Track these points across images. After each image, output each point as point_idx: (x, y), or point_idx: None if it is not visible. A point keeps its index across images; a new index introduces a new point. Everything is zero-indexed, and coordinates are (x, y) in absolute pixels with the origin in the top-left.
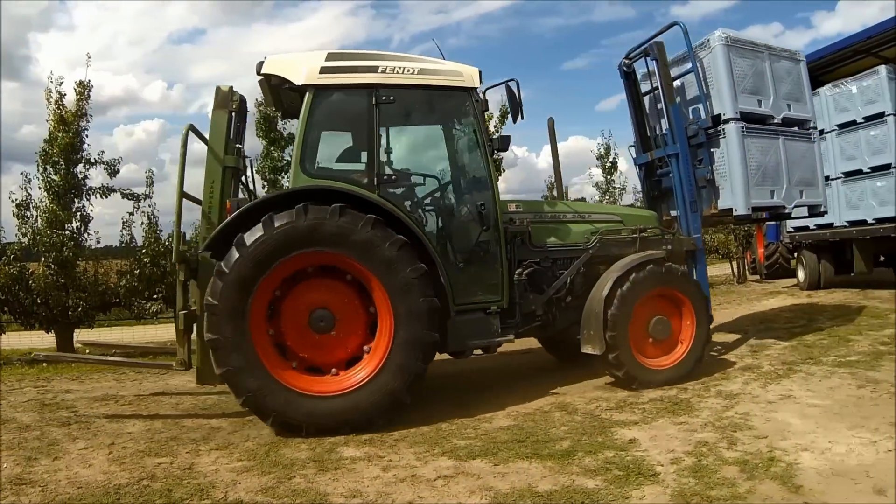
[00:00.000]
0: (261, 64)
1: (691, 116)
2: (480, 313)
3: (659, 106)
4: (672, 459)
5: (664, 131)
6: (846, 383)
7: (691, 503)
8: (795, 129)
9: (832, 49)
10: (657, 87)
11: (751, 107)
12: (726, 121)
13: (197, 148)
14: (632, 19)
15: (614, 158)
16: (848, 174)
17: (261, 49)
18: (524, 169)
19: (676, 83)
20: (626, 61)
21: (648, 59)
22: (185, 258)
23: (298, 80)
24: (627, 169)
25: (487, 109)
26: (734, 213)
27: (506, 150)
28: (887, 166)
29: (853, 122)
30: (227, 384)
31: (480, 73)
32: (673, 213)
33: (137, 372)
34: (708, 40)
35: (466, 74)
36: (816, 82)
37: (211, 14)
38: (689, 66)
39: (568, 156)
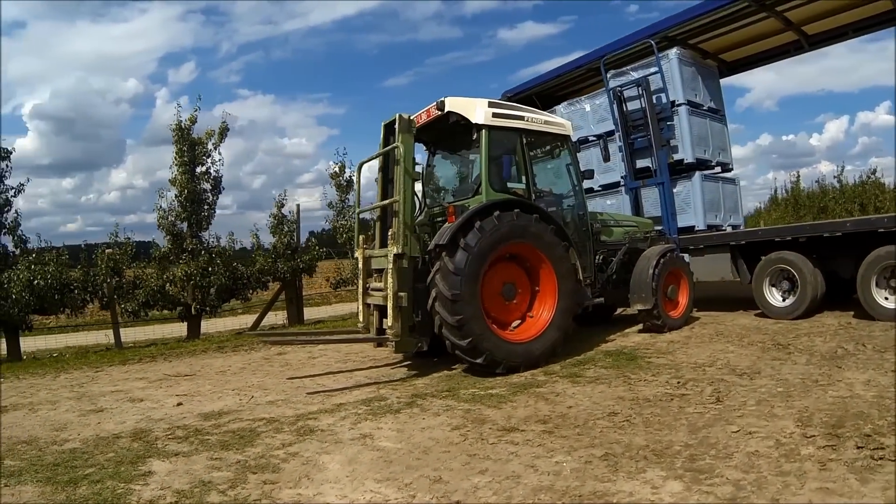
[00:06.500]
0: (443, 103)
1: (655, 101)
2: (583, 285)
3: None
4: (152, 498)
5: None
6: (448, 422)
7: None
8: (714, 114)
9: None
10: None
11: (691, 97)
12: (680, 104)
13: None
14: (457, 40)
15: (350, 177)
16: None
17: (80, 49)
18: None
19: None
20: (619, 88)
21: (639, 87)
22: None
23: (477, 120)
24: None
25: (579, 150)
26: (684, 162)
27: (591, 178)
28: (616, 184)
29: (586, 140)
30: (453, 333)
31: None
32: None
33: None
34: (667, 54)
35: (566, 125)
36: (553, 100)
37: (34, 6)
38: (655, 69)
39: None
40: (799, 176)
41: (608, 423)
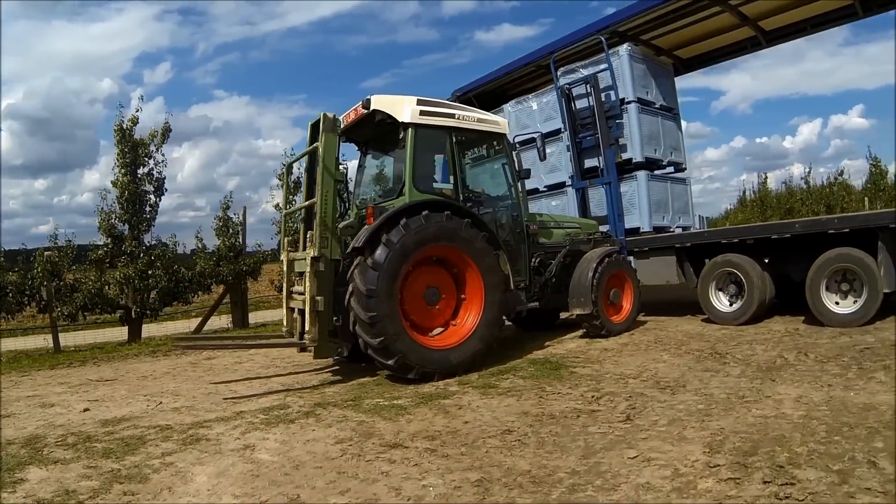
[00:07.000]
0: (369, 101)
1: (603, 98)
2: (516, 289)
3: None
4: None
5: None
6: (336, 434)
7: None
8: (666, 113)
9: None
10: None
11: (642, 95)
12: (630, 102)
13: None
14: (435, 42)
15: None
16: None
17: (58, 49)
18: None
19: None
20: (567, 86)
21: (588, 85)
22: (321, 255)
23: (403, 118)
24: None
25: (516, 149)
26: (633, 161)
27: (528, 177)
28: (561, 184)
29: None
30: (365, 330)
31: (507, 123)
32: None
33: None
34: (618, 50)
35: (502, 123)
36: (505, 98)
37: (8, 6)
38: (604, 65)
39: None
40: (766, 177)
41: (498, 443)
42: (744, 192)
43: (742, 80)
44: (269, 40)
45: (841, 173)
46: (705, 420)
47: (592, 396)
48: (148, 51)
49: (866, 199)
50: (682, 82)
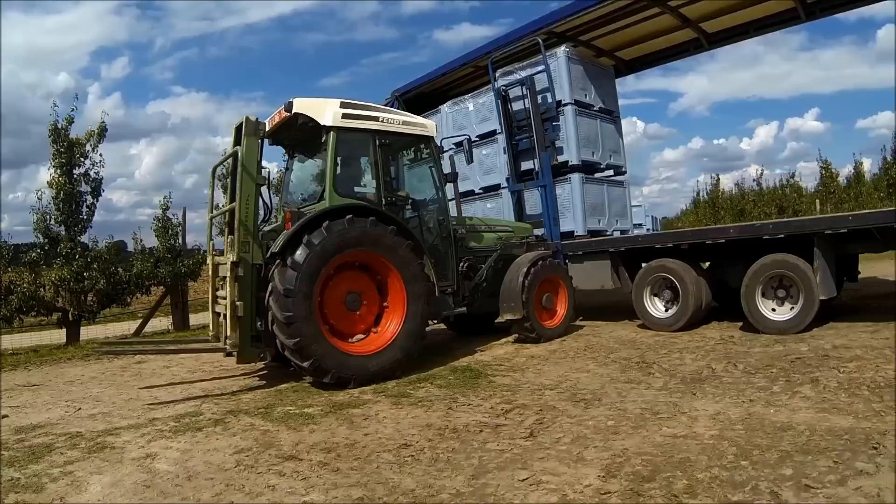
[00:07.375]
0: (291, 104)
1: (539, 100)
2: (443, 294)
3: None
4: None
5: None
6: (238, 444)
7: None
8: (606, 115)
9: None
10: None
11: (580, 97)
12: (566, 104)
13: None
14: (394, 40)
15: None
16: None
17: (12, 41)
18: None
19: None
20: (504, 87)
21: (524, 87)
22: (241, 260)
23: (325, 122)
24: None
25: (444, 152)
26: (569, 164)
27: (454, 181)
28: (496, 186)
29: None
30: (282, 331)
31: (436, 125)
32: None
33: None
34: (556, 52)
35: (429, 126)
36: (445, 99)
37: None
38: (542, 67)
39: None
40: (718, 178)
41: (392, 458)
42: (698, 194)
43: (700, 83)
44: (228, 36)
45: (793, 175)
46: (611, 439)
47: (502, 409)
48: (105, 45)
49: (817, 201)
50: (639, 84)
